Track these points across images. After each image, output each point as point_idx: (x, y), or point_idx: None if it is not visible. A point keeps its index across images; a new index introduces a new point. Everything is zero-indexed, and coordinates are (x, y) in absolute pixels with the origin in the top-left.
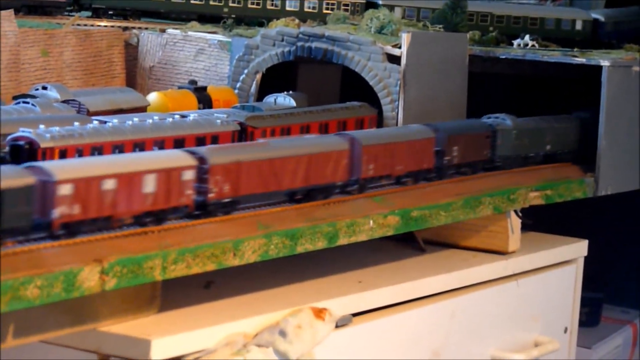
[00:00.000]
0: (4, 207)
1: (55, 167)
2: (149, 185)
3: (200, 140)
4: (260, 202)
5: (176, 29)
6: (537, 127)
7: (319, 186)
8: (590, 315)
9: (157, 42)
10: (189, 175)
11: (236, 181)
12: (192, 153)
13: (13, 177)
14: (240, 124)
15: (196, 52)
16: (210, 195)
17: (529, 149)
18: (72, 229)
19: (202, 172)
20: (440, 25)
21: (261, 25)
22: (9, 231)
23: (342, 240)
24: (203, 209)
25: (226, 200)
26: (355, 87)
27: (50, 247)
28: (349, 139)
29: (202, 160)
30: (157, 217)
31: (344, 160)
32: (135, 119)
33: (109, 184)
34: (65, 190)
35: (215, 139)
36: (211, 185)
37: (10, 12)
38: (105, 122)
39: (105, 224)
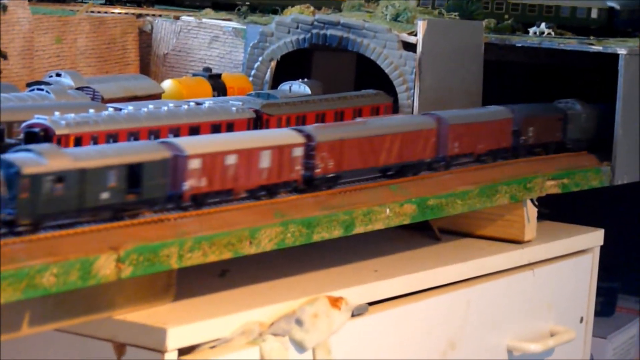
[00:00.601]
0: (144, 179)
1: (186, 143)
2: (265, 160)
3: (216, 128)
4: (359, 177)
5: (190, 16)
6: (604, 112)
7: (410, 162)
8: (606, 305)
9: (171, 29)
10: (299, 152)
11: (339, 157)
12: (300, 131)
13: (151, 151)
14: (256, 111)
15: (210, 39)
16: (317, 171)
17: (597, 133)
18: (199, 200)
19: (310, 149)
20: (456, 13)
21: (275, 12)
22: (146, 202)
23: (359, 229)
24: (309, 184)
25: (330, 175)
26: (370, 75)
27: (67, 235)
28: (436, 118)
29: (309, 137)
30: (269, 191)
31: (433, 138)
32: (151, 106)
33: (231, 159)
34: (194, 164)
35: (230, 127)
36: (317, 161)
37: None
38: (121, 109)
39: (227, 196)
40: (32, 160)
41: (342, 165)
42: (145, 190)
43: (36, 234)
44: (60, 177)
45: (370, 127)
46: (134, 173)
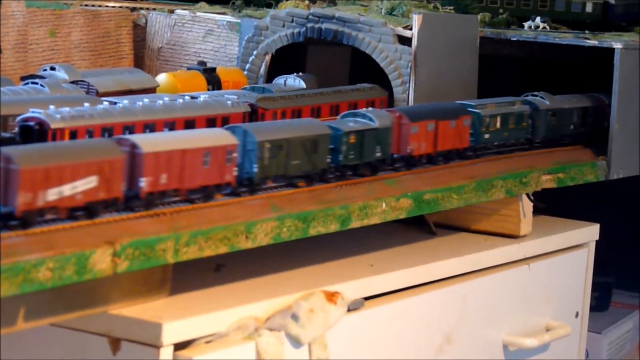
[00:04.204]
0: (589, 118)
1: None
2: None
3: (211, 122)
4: None
5: (185, 9)
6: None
7: None
8: (600, 300)
9: (166, 22)
10: None
11: None
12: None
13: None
14: (251, 105)
15: (205, 33)
16: None
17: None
18: None
19: None
20: (451, 7)
21: (270, 6)
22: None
23: (355, 223)
24: None
25: None
26: (365, 69)
27: (62, 229)
28: None
29: None
30: None
31: None
32: (146, 100)
33: None
34: None
35: (225, 120)
36: None
37: None
38: (116, 103)
39: None
40: (541, 101)
41: None
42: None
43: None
44: (554, 112)
45: None
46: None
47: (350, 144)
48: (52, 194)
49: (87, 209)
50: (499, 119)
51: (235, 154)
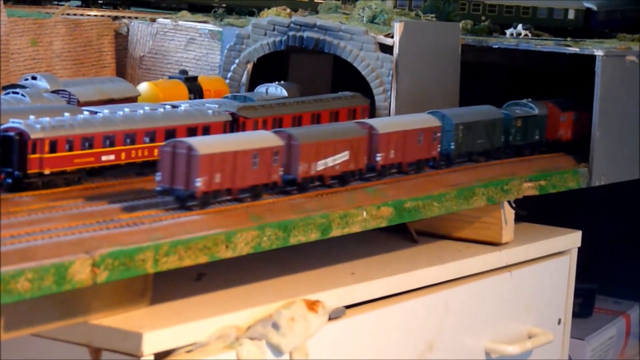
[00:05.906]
0: None
1: None
2: None
3: (192, 131)
4: None
5: (166, 18)
6: None
7: None
8: (583, 307)
9: (148, 31)
10: None
11: None
12: None
13: None
14: (232, 114)
15: (187, 41)
16: None
17: None
18: None
19: None
20: (433, 15)
21: (252, 14)
22: None
23: (335, 232)
24: None
25: None
26: (346, 77)
27: (41, 240)
28: None
29: None
30: None
31: None
32: (126, 110)
33: None
34: None
35: (206, 130)
36: None
37: None
38: (96, 113)
39: None
40: None
41: None
42: None
43: None
44: None
45: None
46: None
47: (517, 127)
48: (320, 165)
49: (341, 178)
50: None
51: (439, 134)
